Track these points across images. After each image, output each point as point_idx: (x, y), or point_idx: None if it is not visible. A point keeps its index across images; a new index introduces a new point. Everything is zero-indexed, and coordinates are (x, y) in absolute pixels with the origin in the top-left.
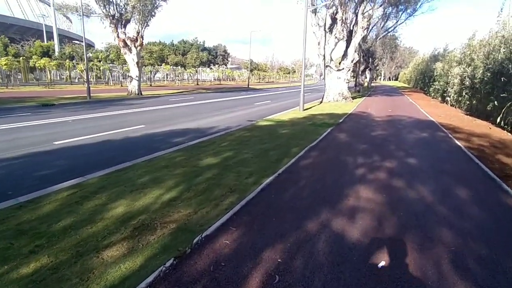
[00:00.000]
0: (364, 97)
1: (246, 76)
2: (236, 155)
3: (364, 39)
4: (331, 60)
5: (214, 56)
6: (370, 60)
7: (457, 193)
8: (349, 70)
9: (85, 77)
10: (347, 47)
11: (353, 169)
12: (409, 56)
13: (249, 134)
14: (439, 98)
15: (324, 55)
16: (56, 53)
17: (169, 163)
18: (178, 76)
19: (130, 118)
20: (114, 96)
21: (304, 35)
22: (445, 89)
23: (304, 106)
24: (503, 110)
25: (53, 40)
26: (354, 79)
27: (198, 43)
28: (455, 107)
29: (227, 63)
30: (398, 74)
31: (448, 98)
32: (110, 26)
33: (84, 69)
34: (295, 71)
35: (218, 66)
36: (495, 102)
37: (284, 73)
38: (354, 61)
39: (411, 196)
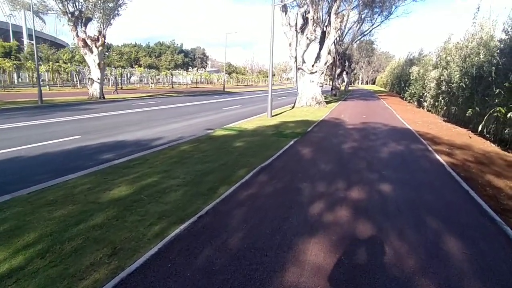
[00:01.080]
0: (339, 102)
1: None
2: (159, 182)
3: (338, 40)
4: (303, 62)
5: (192, 59)
6: (347, 64)
7: (449, 254)
8: (323, 73)
9: (46, 79)
10: (320, 48)
11: (307, 205)
12: (386, 60)
13: (195, 149)
14: (415, 103)
15: (295, 57)
16: (25, 54)
17: (63, 195)
18: (152, 79)
19: (70, 126)
20: (72, 100)
21: (272, 34)
22: (421, 94)
23: (272, 112)
24: (485, 118)
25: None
26: (331, 82)
27: (175, 45)
28: (432, 113)
29: (206, 66)
30: (375, 78)
31: (424, 103)
32: (68, 24)
33: (47, 71)
34: (274, 75)
35: (197, 69)
36: (476, 108)
37: (263, 77)
38: (328, 64)
39: (384, 261)
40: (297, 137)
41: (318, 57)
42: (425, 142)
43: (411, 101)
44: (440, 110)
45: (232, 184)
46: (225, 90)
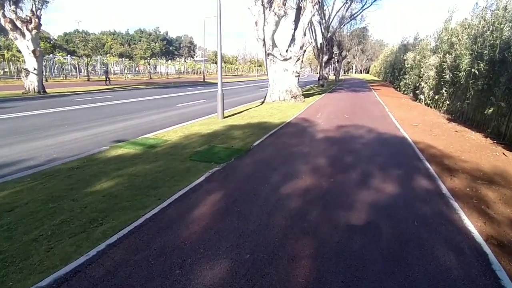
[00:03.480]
0: (324, 94)
1: (213, 69)
2: None
3: (324, 23)
4: (274, 46)
5: (177, 48)
6: (338, 51)
7: None
8: (299, 59)
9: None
10: (295, 29)
11: None
12: (380, 48)
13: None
14: (411, 94)
15: (263, 39)
16: None
17: None
18: (126, 70)
19: None
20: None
21: (218, 8)
22: (418, 84)
23: (223, 113)
24: None
25: None
26: (318, 71)
27: (159, 33)
28: (432, 108)
29: (194, 55)
30: (369, 67)
31: (421, 96)
32: None
33: None
34: (261, 65)
35: (184, 59)
36: (499, 104)
37: (255, 66)
38: (305, 48)
39: None
40: (225, 161)
41: (292, 39)
42: (432, 169)
43: (405, 92)
44: (441, 104)
45: None
46: (205, 81)
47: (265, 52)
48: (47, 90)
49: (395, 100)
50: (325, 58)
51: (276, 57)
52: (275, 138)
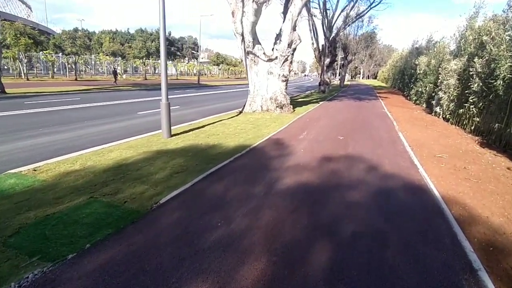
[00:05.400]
0: (322, 102)
1: (216, 71)
2: None
3: (326, 22)
4: (256, 42)
5: (179, 48)
6: (343, 55)
7: None
8: (286, 59)
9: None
10: (283, 21)
11: None
12: (388, 54)
13: None
14: (424, 105)
15: (242, 34)
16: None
17: None
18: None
19: None
20: None
21: None
22: (433, 93)
23: (170, 130)
24: None
25: None
26: (320, 76)
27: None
28: (452, 124)
29: (197, 56)
30: (377, 72)
31: (438, 109)
32: None
33: None
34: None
35: (188, 60)
36: None
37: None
38: (295, 45)
39: None
40: (62, 258)
41: (279, 35)
42: None
43: (417, 102)
44: (467, 121)
45: None
46: (200, 83)
47: (244, 50)
48: (11, 90)
49: (406, 112)
50: (327, 61)
51: (258, 56)
52: (209, 184)
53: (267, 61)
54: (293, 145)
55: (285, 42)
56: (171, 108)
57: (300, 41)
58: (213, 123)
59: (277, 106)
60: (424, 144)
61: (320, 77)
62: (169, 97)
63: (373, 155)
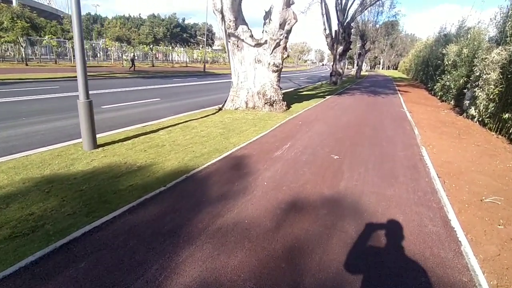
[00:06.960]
0: (329, 96)
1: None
2: None
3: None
4: (239, 22)
5: (191, 35)
6: (360, 43)
7: None
8: (278, 44)
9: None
10: None
11: None
12: (411, 43)
13: None
14: (452, 102)
15: (221, 12)
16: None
17: None
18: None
19: None
20: None
21: None
22: (464, 89)
23: (95, 138)
24: None
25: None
26: (332, 65)
27: (173, 19)
28: (493, 131)
29: (212, 43)
30: (398, 63)
31: (473, 110)
32: None
33: None
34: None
35: (202, 47)
36: None
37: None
38: (289, 26)
39: None
40: None
41: (268, 13)
42: None
43: (444, 98)
44: None
45: None
46: (206, 71)
47: (225, 31)
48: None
49: (431, 113)
50: (340, 48)
51: (243, 40)
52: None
53: (254, 46)
54: (257, 171)
55: (276, 22)
56: (149, 100)
57: (296, 21)
58: (174, 125)
59: (266, 103)
60: (461, 171)
61: (332, 66)
62: (160, 86)
63: (378, 199)
